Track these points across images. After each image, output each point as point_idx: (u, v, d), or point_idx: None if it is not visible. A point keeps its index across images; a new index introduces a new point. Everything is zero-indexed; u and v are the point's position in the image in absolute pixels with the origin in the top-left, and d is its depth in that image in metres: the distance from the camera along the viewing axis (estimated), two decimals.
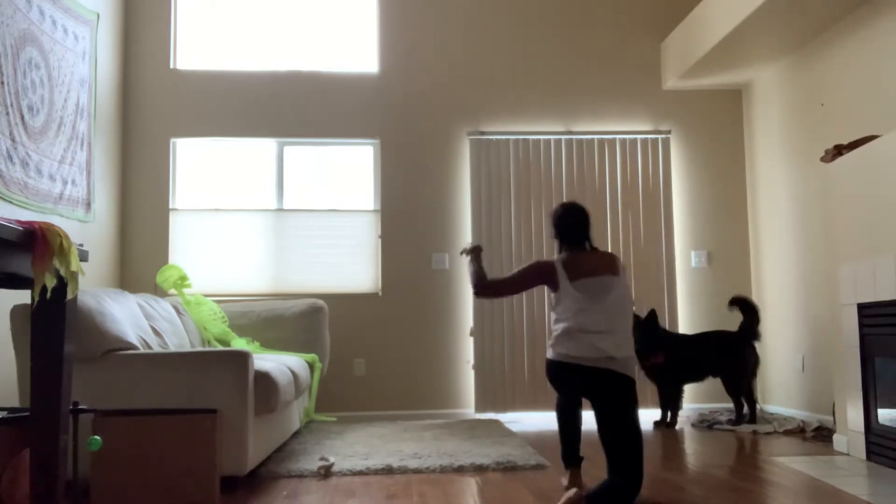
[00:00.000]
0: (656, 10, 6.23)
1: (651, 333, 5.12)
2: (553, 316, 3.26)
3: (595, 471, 3.66)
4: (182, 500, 2.99)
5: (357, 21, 6.18)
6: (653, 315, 5.16)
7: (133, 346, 3.47)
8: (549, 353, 3.21)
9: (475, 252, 3.51)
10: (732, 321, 5.89)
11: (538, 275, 3.28)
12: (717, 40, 5.09)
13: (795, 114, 5.34)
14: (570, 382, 3.16)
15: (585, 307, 3.12)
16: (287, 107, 5.98)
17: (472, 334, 5.86)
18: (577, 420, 3.24)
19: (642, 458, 3.01)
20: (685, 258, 6.07)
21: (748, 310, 5.10)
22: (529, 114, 6.09)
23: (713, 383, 5.53)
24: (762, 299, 5.84)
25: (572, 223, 3.33)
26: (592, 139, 6.03)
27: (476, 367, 5.80)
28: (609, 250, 3.26)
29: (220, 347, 4.23)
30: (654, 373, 5.17)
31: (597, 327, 3.09)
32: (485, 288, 3.34)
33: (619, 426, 3.05)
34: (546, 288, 3.37)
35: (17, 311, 3.34)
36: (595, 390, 3.10)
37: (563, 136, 6.02)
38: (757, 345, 5.11)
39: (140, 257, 5.80)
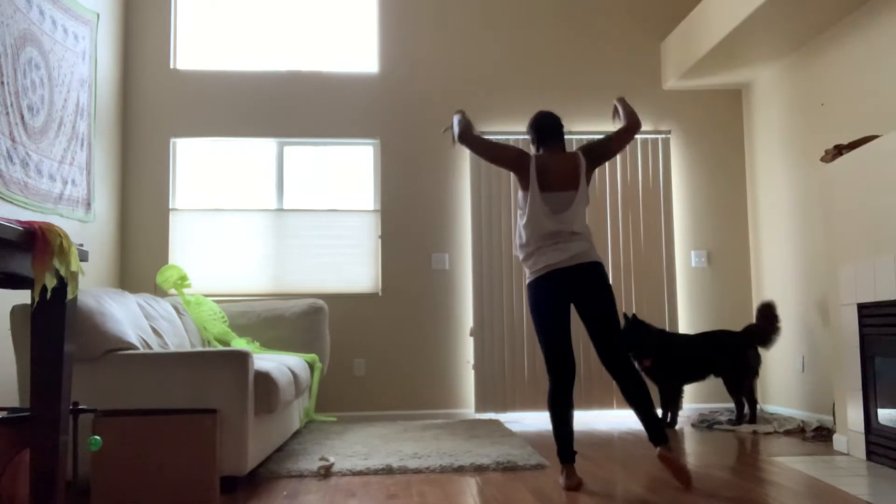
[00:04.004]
0: (656, 10, 6.23)
1: (637, 336, 5.08)
2: (520, 220, 3.55)
3: (595, 470, 3.66)
4: (182, 500, 2.99)
5: (357, 21, 6.18)
6: (635, 319, 5.12)
7: (133, 346, 3.47)
8: (528, 277, 3.52)
9: (461, 115, 3.73)
10: (732, 321, 5.90)
11: (517, 160, 3.55)
12: (717, 40, 5.09)
13: (795, 114, 5.34)
14: (553, 291, 3.42)
15: (550, 219, 3.45)
16: (287, 107, 5.98)
17: (472, 334, 5.86)
18: (568, 409, 3.42)
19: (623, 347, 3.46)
20: (685, 258, 6.07)
21: (770, 317, 5.07)
22: (529, 114, 6.04)
23: (713, 383, 5.53)
24: (762, 299, 5.83)
25: (546, 125, 3.69)
26: (592, 139, 6.02)
27: (476, 367, 5.80)
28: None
29: (220, 347, 4.23)
30: (655, 373, 5.16)
31: (562, 237, 3.44)
32: (469, 137, 3.62)
33: (599, 313, 3.42)
34: (517, 187, 3.62)
35: (17, 311, 3.34)
36: (574, 284, 3.42)
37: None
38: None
39: (140, 257, 5.80)
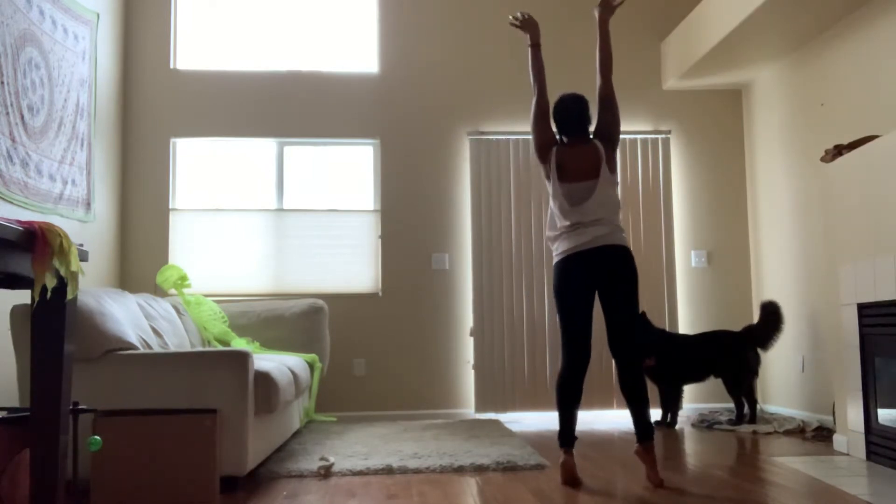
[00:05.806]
0: (656, 10, 6.23)
1: (641, 336, 5.09)
2: (550, 206, 3.59)
3: (595, 470, 3.66)
4: (182, 500, 2.99)
5: (357, 21, 6.18)
6: (643, 317, 5.15)
7: (133, 346, 3.47)
8: (554, 259, 3.55)
9: (531, 33, 3.65)
10: (732, 321, 5.90)
11: (541, 148, 3.58)
12: (717, 40, 5.09)
13: (795, 114, 5.34)
14: (575, 273, 3.43)
15: (570, 209, 3.47)
16: (287, 107, 5.98)
17: (472, 334, 5.86)
18: (575, 393, 3.44)
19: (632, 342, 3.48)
20: (685, 258, 6.07)
21: (773, 318, 5.07)
22: (529, 114, 6.07)
23: (713, 383, 5.53)
24: (762, 299, 5.83)
25: (568, 116, 3.57)
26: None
27: (476, 367, 5.80)
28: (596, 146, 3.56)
29: (220, 347, 4.23)
30: (655, 373, 5.16)
31: (582, 225, 3.43)
32: (537, 94, 3.61)
33: (619, 303, 3.42)
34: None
35: (17, 311, 3.34)
36: (596, 267, 3.41)
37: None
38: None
39: (140, 257, 5.80)
